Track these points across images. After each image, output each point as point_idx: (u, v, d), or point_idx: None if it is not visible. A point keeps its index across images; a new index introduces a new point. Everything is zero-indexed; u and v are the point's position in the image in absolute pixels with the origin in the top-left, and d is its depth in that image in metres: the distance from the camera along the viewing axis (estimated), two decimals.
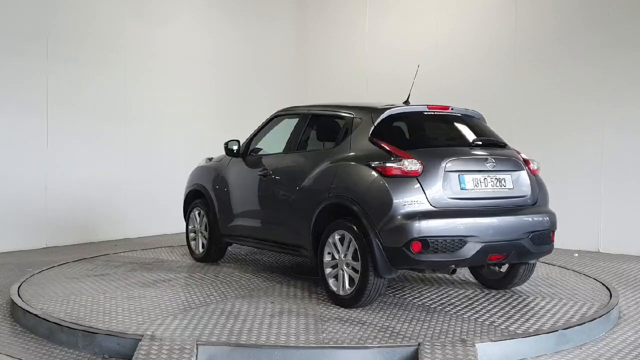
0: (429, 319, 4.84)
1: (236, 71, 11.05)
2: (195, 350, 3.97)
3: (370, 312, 5.00)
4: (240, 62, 11.11)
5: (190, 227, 7.24)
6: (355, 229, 4.98)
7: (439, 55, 9.97)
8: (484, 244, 4.88)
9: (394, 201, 4.80)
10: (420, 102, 6.06)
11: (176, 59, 10.11)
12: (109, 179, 9.19)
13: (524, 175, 5.39)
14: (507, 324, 4.70)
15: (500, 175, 5.23)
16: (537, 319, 4.82)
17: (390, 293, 5.64)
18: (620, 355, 4.31)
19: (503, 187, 5.22)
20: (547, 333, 4.45)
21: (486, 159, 5.19)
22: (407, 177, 4.87)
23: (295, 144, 6.05)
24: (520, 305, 5.26)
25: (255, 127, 6.76)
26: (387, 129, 5.37)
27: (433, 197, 4.87)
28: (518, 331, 4.49)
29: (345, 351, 4.07)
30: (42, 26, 8.41)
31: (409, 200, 4.81)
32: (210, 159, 7.26)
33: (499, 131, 5.96)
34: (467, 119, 5.77)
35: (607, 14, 8.57)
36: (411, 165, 4.89)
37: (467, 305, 5.25)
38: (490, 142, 5.50)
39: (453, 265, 4.98)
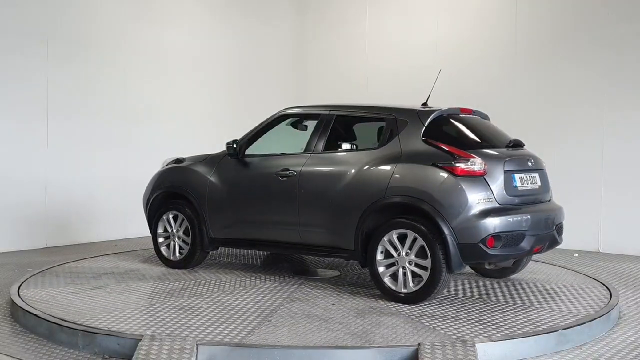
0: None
1: (236, 71, 11.05)
2: (195, 350, 3.97)
3: (436, 307, 5.13)
4: (240, 63, 11.11)
5: (160, 231, 6.80)
6: (422, 227, 5.09)
7: (438, 55, 9.96)
8: (535, 237, 5.31)
9: (469, 199, 5.01)
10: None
11: (176, 60, 10.11)
12: (109, 178, 9.19)
13: (545, 173, 5.86)
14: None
15: (533, 174, 5.65)
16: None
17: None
18: (620, 355, 4.31)
19: (535, 184, 5.62)
20: (547, 333, 4.45)
21: (528, 158, 5.64)
22: (476, 177, 5.12)
23: (321, 144, 5.92)
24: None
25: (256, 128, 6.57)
26: (436, 130, 5.51)
27: (498, 194, 5.17)
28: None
29: (345, 351, 4.07)
30: (42, 26, 8.41)
31: (481, 198, 5.08)
32: (181, 160, 6.88)
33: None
34: (487, 121, 6.12)
35: (607, 14, 8.57)
36: (479, 165, 5.13)
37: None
38: (517, 143, 5.80)
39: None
